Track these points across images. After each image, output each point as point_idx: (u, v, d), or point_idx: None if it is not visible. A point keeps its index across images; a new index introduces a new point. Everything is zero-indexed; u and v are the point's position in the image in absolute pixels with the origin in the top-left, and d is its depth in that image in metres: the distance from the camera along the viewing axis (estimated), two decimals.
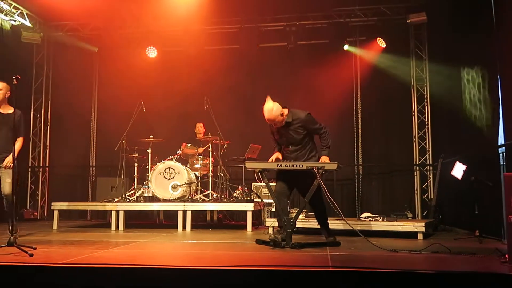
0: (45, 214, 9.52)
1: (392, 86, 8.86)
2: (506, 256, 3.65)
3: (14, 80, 4.63)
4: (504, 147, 5.40)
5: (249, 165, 5.23)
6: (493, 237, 5.43)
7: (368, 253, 4.39)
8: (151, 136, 7.76)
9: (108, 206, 7.28)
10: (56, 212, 7.31)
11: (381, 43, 8.67)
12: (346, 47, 8.88)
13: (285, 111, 5.05)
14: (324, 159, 5.02)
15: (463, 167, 5.93)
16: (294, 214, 5.09)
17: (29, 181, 9.77)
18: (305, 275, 3.34)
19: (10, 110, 5.61)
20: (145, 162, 7.92)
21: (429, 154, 8.79)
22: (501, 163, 5.46)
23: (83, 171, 10.04)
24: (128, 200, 7.61)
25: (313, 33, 9.03)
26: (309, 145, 5.16)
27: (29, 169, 9.80)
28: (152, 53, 9.26)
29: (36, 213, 9.48)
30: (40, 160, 9.91)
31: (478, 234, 5.45)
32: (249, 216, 6.83)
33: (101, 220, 8.85)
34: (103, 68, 9.79)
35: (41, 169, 9.89)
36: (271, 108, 4.94)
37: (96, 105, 10.06)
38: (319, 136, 5.17)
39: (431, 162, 8.72)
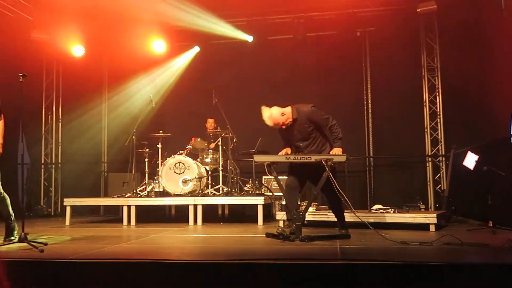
0: (59, 211, 9.62)
1: (402, 76, 8.75)
2: None
3: (21, 77, 4.60)
4: None
5: (258, 158, 5.22)
6: (507, 227, 5.35)
7: (379, 245, 4.35)
8: (161, 131, 7.79)
9: (120, 201, 7.33)
10: (68, 208, 7.37)
11: (390, 33, 8.56)
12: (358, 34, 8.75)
13: (287, 109, 5.04)
14: (336, 151, 4.96)
15: (475, 157, 5.84)
16: (304, 207, 5.07)
17: (43, 177, 9.87)
18: (314, 268, 3.32)
19: None
20: (156, 157, 7.94)
21: (441, 145, 8.67)
22: None
23: (95, 167, 10.10)
24: (139, 195, 7.65)
25: (321, 24, 8.94)
26: (319, 139, 5.10)
27: (42, 166, 9.91)
28: (159, 47, 9.24)
29: (49, 210, 9.60)
30: (52, 156, 10.00)
31: (491, 225, 5.38)
32: (260, 210, 6.82)
33: (113, 215, 8.92)
34: (113, 64, 9.80)
35: (53, 166, 9.99)
36: (269, 115, 4.99)
37: (106, 100, 10.11)
38: (328, 129, 5.10)
39: (443, 153, 8.61)
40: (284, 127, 5.05)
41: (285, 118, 4.99)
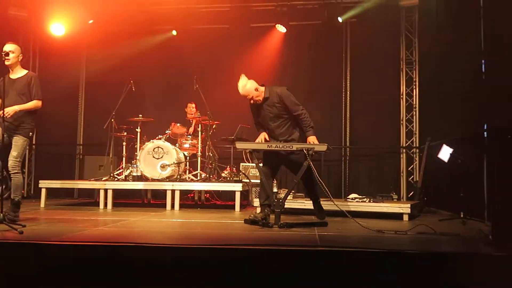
0: (32, 192, 9.47)
1: (381, 69, 8.90)
2: (490, 237, 3.75)
3: None
4: (486, 132, 5.52)
5: (240, 145, 5.27)
6: (477, 218, 5.56)
7: (356, 233, 4.47)
8: (140, 115, 7.73)
9: (97, 184, 7.27)
10: (43, 190, 7.28)
11: (372, 25, 8.67)
12: (340, 19, 8.78)
13: (262, 88, 5.20)
14: (312, 139, 5.09)
15: (450, 150, 6.01)
16: (283, 195, 5.16)
17: None
18: (294, 254, 3.40)
19: (22, 73, 5.18)
20: (134, 141, 7.89)
21: (415, 137, 8.89)
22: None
23: (70, 150, 9.97)
24: (116, 179, 7.61)
25: (304, 14, 8.97)
26: (289, 122, 5.26)
27: None
28: (140, 30, 9.12)
29: (23, 191, 9.41)
30: None
31: (462, 216, 5.58)
32: (237, 196, 6.88)
33: (88, 198, 8.84)
34: (92, 45, 9.63)
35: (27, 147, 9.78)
36: (244, 84, 5.15)
37: (84, 82, 9.96)
38: (297, 115, 5.22)
39: (417, 145, 8.83)
40: (252, 102, 5.20)
41: (256, 94, 5.16)
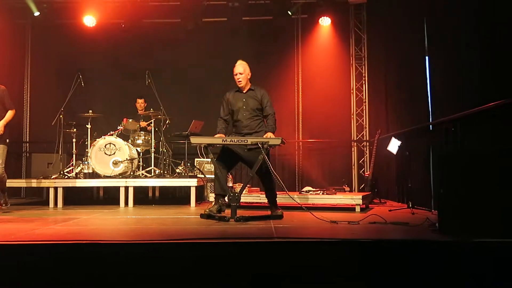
0: None
1: (332, 63, 9.10)
2: (436, 224, 3.95)
3: None
4: (431, 125, 5.81)
5: (194, 140, 5.25)
6: (424, 208, 5.83)
7: (311, 224, 4.57)
8: (90, 111, 7.53)
9: (46, 183, 7.04)
10: None
11: (323, 21, 8.86)
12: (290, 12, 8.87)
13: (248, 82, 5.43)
14: (269, 134, 5.17)
15: (398, 142, 6.25)
16: (239, 189, 5.20)
17: None
18: (251, 246, 3.44)
19: None
20: (84, 138, 7.68)
21: (366, 131, 9.16)
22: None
23: (16, 147, 9.54)
24: (66, 176, 7.38)
25: (255, 9, 9.02)
26: (260, 118, 5.41)
27: None
28: (90, 22, 8.87)
29: None
30: None
31: (410, 206, 5.83)
32: (193, 192, 6.86)
33: (37, 198, 8.53)
34: (37, 37, 9.27)
35: None
36: (244, 63, 5.38)
37: (29, 76, 9.58)
38: (267, 116, 5.37)
39: (367, 138, 9.10)
40: (238, 84, 5.35)
41: (245, 78, 5.35)
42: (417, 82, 6.36)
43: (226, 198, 5.18)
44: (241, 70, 5.32)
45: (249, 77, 5.38)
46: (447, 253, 3.23)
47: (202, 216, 5.17)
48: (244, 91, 5.39)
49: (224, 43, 9.13)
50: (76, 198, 7.92)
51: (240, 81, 5.33)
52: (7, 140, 6.03)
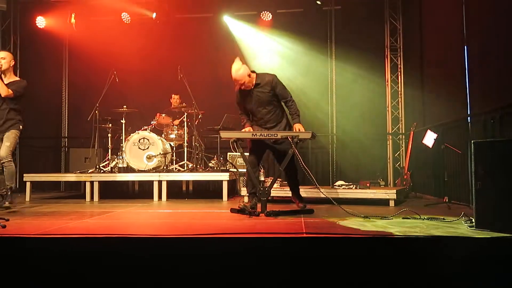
0: (17, 187, 9.34)
1: (367, 56, 8.90)
2: (472, 220, 3.79)
3: None
4: (469, 117, 5.58)
5: (224, 134, 5.23)
6: (461, 203, 5.63)
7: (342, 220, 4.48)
8: (125, 106, 7.66)
9: (83, 177, 7.21)
10: (28, 184, 7.21)
11: (356, 12, 8.68)
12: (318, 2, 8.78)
13: (253, 74, 5.18)
14: (298, 127, 5.10)
15: (434, 135, 6.05)
16: (269, 183, 5.16)
17: None
18: (280, 242, 3.40)
19: (15, 79, 5.75)
20: (119, 133, 7.82)
21: (401, 123, 8.93)
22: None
23: (55, 142, 9.87)
24: (102, 171, 7.55)
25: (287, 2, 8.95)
26: (278, 108, 5.28)
27: None
28: (126, 19, 9.04)
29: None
30: None
31: (446, 200, 5.64)
32: (225, 186, 6.87)
33: (75, 191, 8.77)
34: (74, 36, 9.49)
35: None
36: (238, 68, 5.06)
37: (67, 73, 9.84)
38: (285, 102, 5.25)
39: (403, 131, 8.87)
40: (243, 87, 5.15)
41: (248, 80, 5.12)
42: (455, 72, 6.12)
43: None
44: (240, 77, 5.08)
45: (250, 76, 5.14)
46: (482, 250, 3.10)
47: (232, 210, 5.16)
48: (252, 89, 5.21)
49: (257, 35, 9.11)
50: (112, 191, 8.09)
51: (246, 86, 5.16)
52: (21, 126, 5.80)
